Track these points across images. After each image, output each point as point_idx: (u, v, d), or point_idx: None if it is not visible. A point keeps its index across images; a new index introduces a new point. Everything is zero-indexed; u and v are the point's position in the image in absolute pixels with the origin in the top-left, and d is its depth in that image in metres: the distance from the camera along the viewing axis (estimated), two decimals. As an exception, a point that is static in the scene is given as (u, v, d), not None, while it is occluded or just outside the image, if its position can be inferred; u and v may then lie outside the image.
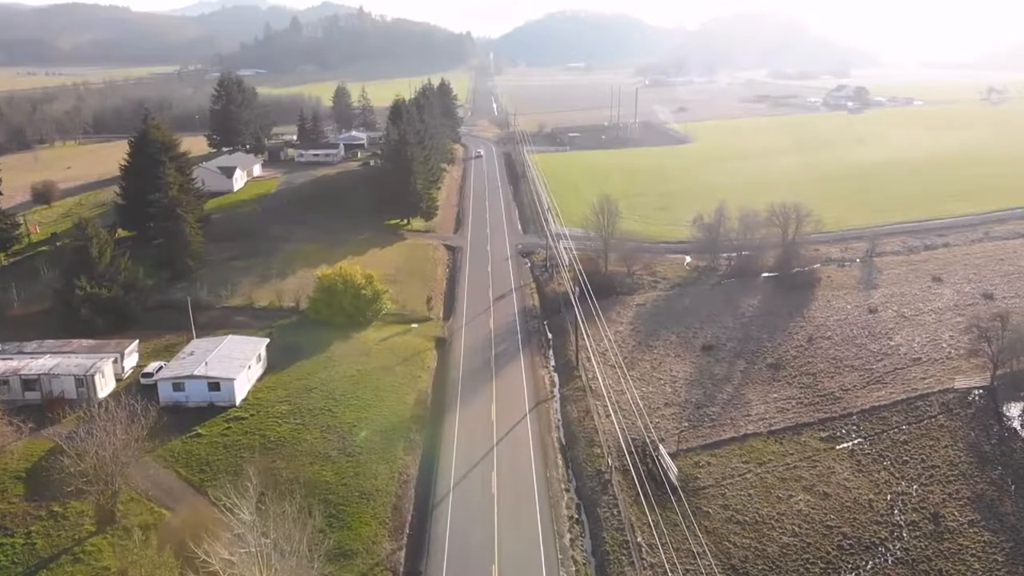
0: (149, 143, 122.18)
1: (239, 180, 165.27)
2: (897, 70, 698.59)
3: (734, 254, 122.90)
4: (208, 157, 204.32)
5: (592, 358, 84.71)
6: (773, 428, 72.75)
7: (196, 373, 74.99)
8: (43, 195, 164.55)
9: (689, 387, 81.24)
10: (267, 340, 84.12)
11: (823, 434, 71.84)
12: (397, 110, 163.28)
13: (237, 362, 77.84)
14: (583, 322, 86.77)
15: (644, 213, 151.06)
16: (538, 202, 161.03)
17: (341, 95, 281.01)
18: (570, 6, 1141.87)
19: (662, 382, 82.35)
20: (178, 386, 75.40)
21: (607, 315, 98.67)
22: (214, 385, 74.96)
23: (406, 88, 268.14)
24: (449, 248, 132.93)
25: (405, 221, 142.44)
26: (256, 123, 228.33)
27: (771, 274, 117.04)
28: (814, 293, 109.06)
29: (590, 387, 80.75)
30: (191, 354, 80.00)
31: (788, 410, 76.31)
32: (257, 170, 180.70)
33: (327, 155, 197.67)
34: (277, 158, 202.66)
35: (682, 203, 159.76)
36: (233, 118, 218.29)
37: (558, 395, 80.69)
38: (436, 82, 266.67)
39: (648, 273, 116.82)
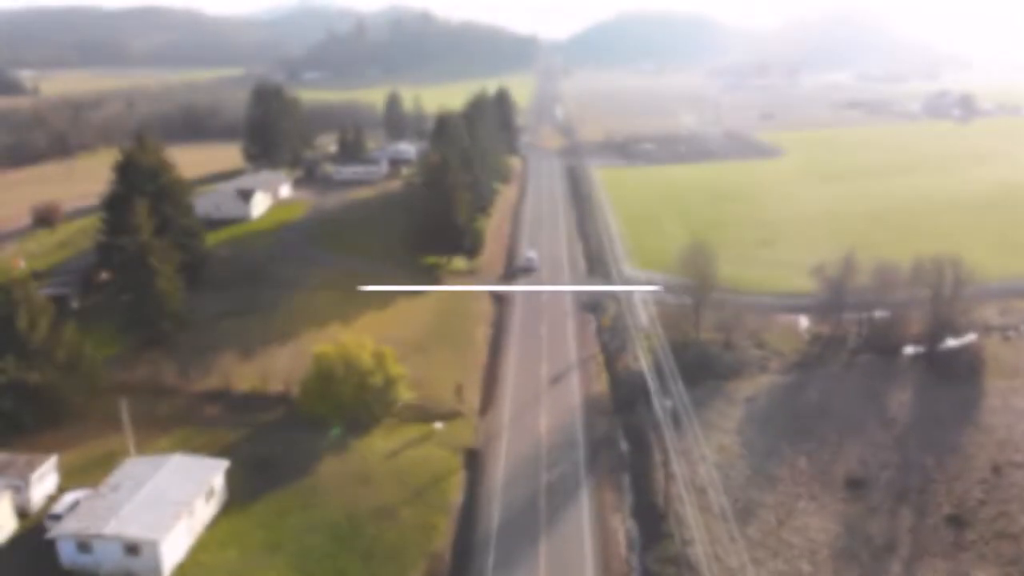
0: (133, 168, 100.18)
1: (259, 205, 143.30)
2: (988, 73, 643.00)
3: (864, 314, 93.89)
4: (236, 174, 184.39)
5: (686, 496, 58.16)
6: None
7: (106, 532, 51.20)
8: (45, 218, 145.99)
9: (837, 563, 53.73)
10: (225, 464, 59.81)
11: None
12: (442, 125, 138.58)
13: (172, 508, 53.74)
14: (670, 432, 60.62)
15: (740, 251, 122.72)
16: (607, 234, 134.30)
17: (393, 102, 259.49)
18: (639, 7, 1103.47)
19: (795, 553, 54.77)
20: (84, 546, 51.82)
21: (705, 415, 71.96)
22: (132, 548, 51.12)
23: (466, 93, 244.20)
24: (495, 298, 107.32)
25: (445, 260, 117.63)
26: (297, 134, 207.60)
27: (917, 349, 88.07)
28: (982, 383, 79.95)
29: (686, 558, 53.94)
30: (116, 487, 56.39)
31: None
32: (285, 191, 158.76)
33: (367, 173, 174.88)
34: (313, 175, 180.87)
35: (786, 237, 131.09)
36: (270, 129, 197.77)
37: (638, 569, 53.87)
38: (502, 86, 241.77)
39: (755, 344, 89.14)
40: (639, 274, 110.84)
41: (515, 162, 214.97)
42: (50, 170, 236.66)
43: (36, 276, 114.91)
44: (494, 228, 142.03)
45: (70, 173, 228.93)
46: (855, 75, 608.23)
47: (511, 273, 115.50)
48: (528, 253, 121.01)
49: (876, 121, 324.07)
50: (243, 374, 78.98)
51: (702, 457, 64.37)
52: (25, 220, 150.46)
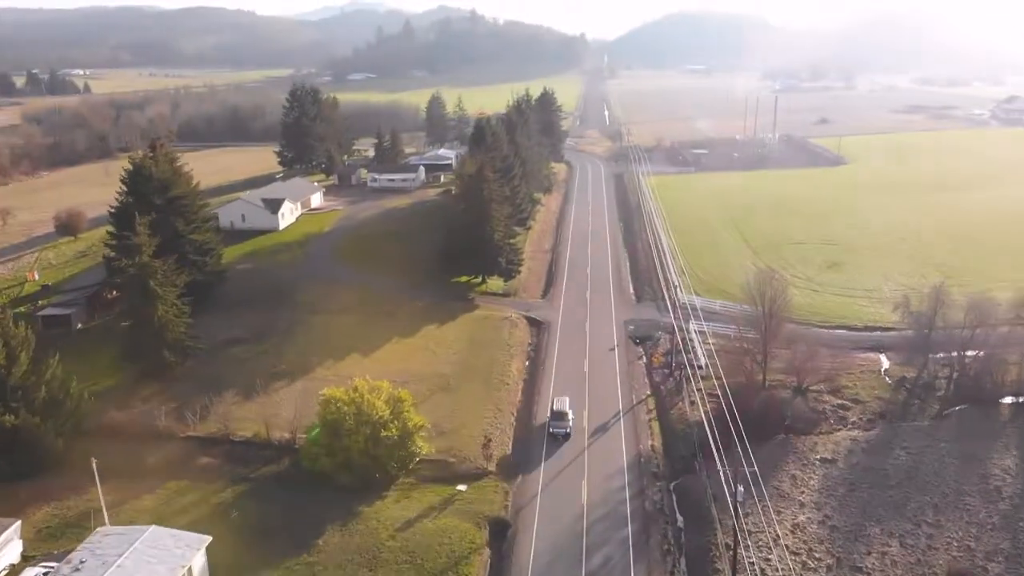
0: (142, 178, 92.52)
1: (287, 215, 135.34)
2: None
3: (954, 354, 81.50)
4: (271, 179, 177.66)
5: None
6: None
7: (50, 634, 42.59)
8: (67, 226, 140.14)
9: None
10: (206, 541, 50.71)
11: None
12: (479, 132, 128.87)
13: (135, 600, 44.94)
14: (737, 510, 50.06)
15: (808, 275, 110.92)
16: (658, 251, 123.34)
17: (435, 104, 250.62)
18: (688, 7, 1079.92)
19: None
20: (32, 642, 43.32)
21: (775, 481, 61.25)
22: (85, 650, 42.42)
23: (511, 95, 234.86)
24: (533, 324, 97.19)
25: (479, 279, 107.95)
26: (333, 138, 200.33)
27: (1018, 399, 75.69)
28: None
29: None
30: (79, 567, 47.80)
31: None
32: (316, 200, 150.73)
33: (404, 180, 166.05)
34: (348, 182, 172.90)
35: (857, 259, 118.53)
36: (305, 133, 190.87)
37: None
38: (547, 88, 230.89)
39: (830, 388, 77.57)
40: (695, 300, 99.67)
41: (559, 168, 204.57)
42: (88, 171, 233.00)
43: (47, 291, 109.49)
44: (534, 242, 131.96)
45: (107, 175, 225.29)
46: (914, 79, 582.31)
47: (536, 441, 70.72)
48: (559, 405, 72.78)
49: (941, 127, 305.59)
50: (245, 416, 70.21)
51: (774, 540, 53.52)
52: (44, 228, 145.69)
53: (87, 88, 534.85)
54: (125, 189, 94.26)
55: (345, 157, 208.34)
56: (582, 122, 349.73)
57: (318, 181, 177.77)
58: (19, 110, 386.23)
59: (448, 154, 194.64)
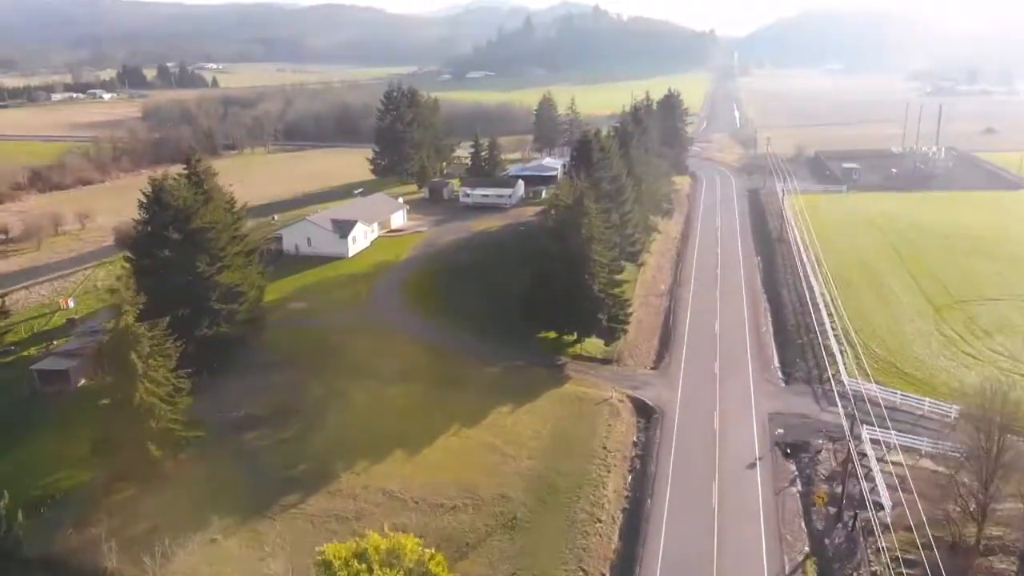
0: (160, 207, 74.49)
1: (359, 239, 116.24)
2: None
3: None
4: (350, 188, 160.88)
5: None
6: None
7: None
8: (125, 239, 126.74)
9: None
10: None
11: None
12: (585, 147, 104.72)
13: None
14: None
15: (1013, 349, 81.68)
16: (810, 304, 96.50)
17: (545, 106, 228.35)
18: (825, 3, 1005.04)
19: None
20: None
21: None
22: None
23: (630, 95, 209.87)
24: (640, 410, 73.05)
25: (573, 337, 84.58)
26: (431, 144, 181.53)
27: None
28: None
29: None
30: None
31: None
32: (398, 219, 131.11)
33: (499, 196, 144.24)
34: (439, 196, 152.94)
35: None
36: (400, 139, 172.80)
37: None
38: (672, 89, 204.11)
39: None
40: (867, 388, 72.88)
41: (682, 182, 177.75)
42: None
43: (70, 325, 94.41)
44: (647, 282, 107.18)
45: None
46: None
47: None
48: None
49: None
50: (222, 565, 49.93)
51: None
52: (103, 242, 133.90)
53: (215, 82, 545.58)
54: (144, 217, 76.48)
55: (443, 165, 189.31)
56: (708, 124, 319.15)
57: (408, 194, 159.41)
58: (142, 103, 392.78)
59: (554, 164, 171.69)
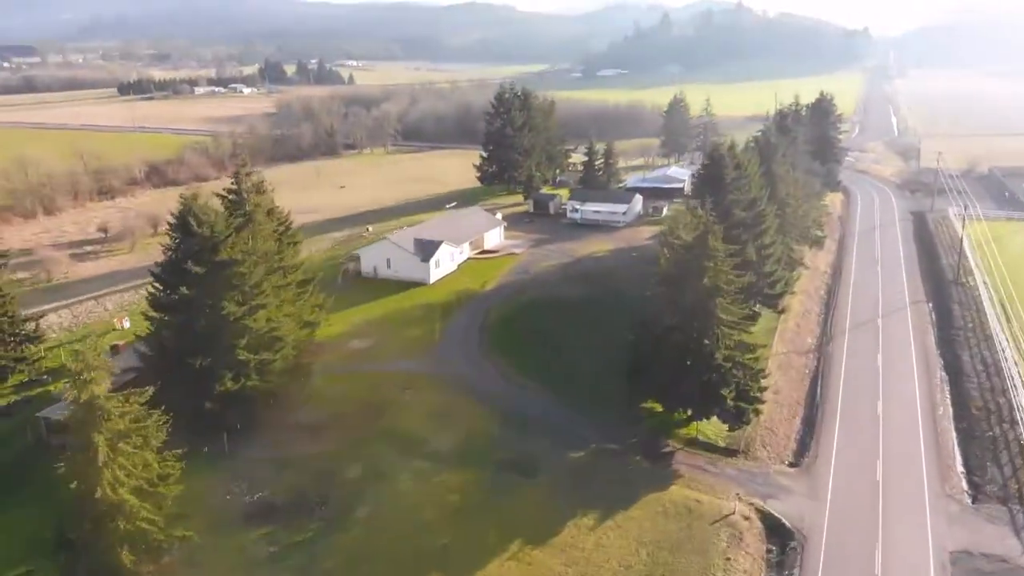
0: (187, 233, 61.87)
1: (444, 263, 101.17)
2: None
3: None
4: (472, 197, 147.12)
5: None
6: None
7: None
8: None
9: None
10: None
11: None
12: (716, 163, 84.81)
13: None
14: None
15: None
16: (1003, 376, 73.33)
17: (676, 107, 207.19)
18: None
19: None
20: None
21: None
22: None
23: (774, 97, 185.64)
24: (771, 534, 53.65)
25: (686, 416, 65.70)
26: (542, 151, 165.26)
27: None
28: None
29: None
30: None
31: None
32: (493, 238, 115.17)
33: (611, 213, 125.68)
34: (545, 210, 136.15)
35: None
36: (509, 145, 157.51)
37: None
38: (823, 91, 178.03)
39: None
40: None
41: (833, 200, 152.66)
42: (299, 171, 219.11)
43: (113, 352, 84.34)
44: (789, 336, 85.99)
45: (318, 177, 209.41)
46: None
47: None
48: None
49: None
50: None
51: None
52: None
53: (351, 79, 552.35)
54: (171, 245, 64.17)
55: (557, 172, 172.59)
56: (862, 131, 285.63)
57: (513, 206, 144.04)
58: (277, 98, 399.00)
59: (680, 175, 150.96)
